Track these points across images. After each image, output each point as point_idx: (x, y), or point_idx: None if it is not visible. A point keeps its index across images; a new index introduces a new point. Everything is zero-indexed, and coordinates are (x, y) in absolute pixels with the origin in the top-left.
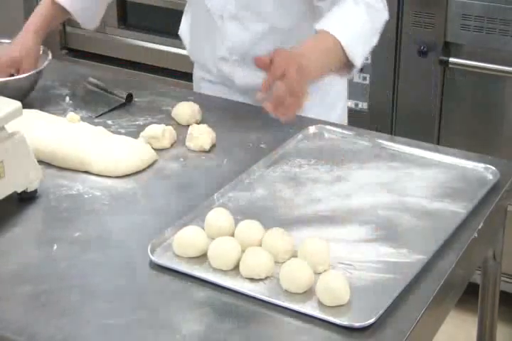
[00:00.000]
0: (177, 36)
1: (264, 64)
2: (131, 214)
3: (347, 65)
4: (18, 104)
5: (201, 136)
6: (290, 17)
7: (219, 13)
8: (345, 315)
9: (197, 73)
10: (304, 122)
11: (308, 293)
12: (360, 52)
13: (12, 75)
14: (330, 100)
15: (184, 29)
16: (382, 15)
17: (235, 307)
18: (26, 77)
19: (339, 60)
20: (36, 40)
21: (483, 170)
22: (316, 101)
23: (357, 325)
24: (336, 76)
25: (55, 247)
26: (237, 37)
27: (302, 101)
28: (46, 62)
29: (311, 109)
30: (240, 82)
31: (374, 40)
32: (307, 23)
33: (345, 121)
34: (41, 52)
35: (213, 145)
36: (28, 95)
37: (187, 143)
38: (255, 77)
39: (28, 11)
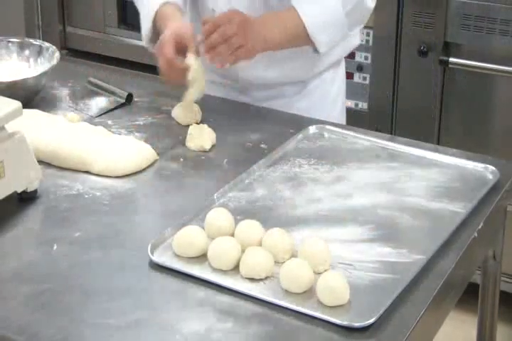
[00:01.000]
0: None
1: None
2: (131, 214)
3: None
4: (18, 104)
5: (201, 136)
6: None
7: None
8: (345, 315)
9: None
10: (304, 122)
11: (308, 293)
12: (324, 40)
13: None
14: (331, 97)
15: None
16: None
17: (235, 307)
18: (35, 77)
19: (298, 40)
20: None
21: (482, 170)
22: (318, 100)
23: (357, 325)
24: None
25: (55, 247)
26: None
27: (238, 52)
28: (55, 62)
29: (313, 106)
30: (244, 74)
31: (346, 29)
32: None
33: (343, 116)
34: (49, 51)
35: (213, 146)
36: (37, 95)
37: (187, 143)
38: (259, 71)
39: (28, 11)
